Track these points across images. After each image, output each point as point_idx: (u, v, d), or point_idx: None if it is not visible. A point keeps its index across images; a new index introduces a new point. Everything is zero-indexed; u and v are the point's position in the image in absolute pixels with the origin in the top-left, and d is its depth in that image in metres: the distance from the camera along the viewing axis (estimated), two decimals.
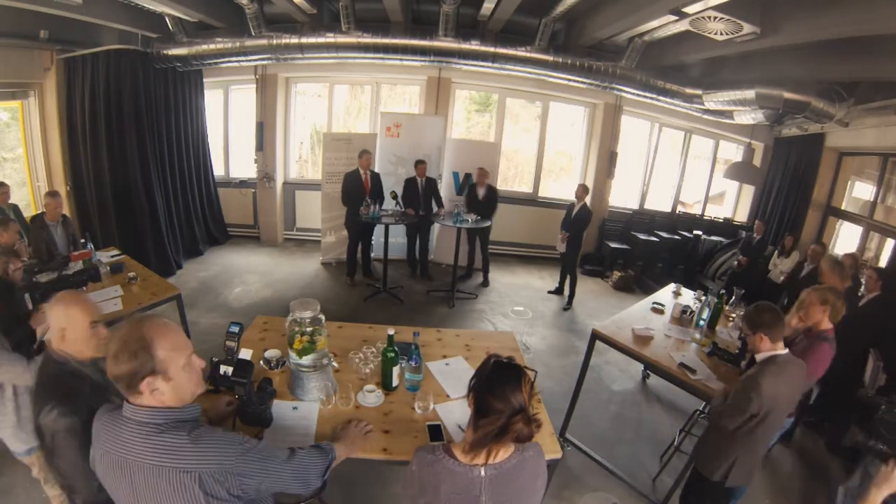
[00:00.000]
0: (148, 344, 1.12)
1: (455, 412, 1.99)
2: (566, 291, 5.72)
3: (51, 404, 1.36)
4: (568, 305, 5.60)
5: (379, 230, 5.49)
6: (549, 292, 5.94)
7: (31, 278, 2.28)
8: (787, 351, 1.99)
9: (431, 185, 5.69)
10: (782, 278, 5.17)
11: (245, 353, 1.70)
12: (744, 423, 1.94)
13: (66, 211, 4.85)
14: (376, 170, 5.70)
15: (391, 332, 2.10)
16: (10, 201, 4.11)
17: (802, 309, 2.38)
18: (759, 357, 2.00)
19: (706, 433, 2.27)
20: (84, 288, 2.91)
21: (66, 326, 1.48)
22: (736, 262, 5.84)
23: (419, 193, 5.57)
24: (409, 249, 6.11)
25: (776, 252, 5.47)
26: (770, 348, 1.97)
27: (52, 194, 3.84)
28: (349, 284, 5.71)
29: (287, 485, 1.30)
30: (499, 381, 1.21)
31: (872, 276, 3.39)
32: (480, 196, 5.59)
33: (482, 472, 1.24)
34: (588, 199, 5.63)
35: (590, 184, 6.97)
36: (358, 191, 5.29)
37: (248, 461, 1.17)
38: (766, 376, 1.88)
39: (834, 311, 2.26)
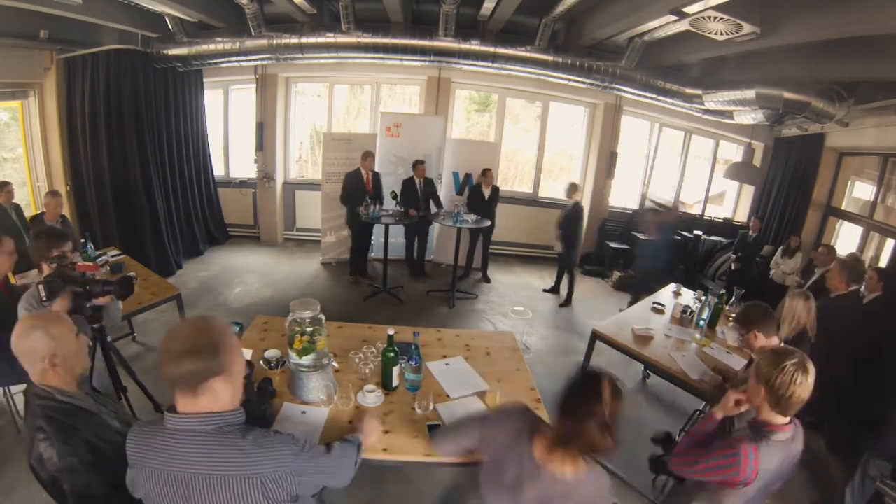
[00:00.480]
0: (217, 345, 1.09)
1: (457, 412, 1.99)
2: (563, 290, 5.72)
3: (44, 446, 1.27)
4: (565, 303, 5.60)
5: (379, 230, 5.49)
6: (545, 290, 5.95)
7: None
8: (782, 344, 2.03)
9: (430, 185, 5.69)
10: (787, 280, 5.18)
11: (245, 353, 1.69)
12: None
13: (65, 211, 4.85)
14: (376, 169, 5.70)
15: (391, 332, 2.10)
16: (13, 201, 4.13)
17: (794, 320, 2.44)
18: (754, 355, 2.01)
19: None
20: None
21: (55, 351, 1.34)
22: (731, 266, 5.85)
23: (417, 194, 5.57)
24: (407, 250, 6.11)
25: (779, 252, 5.46)
26: (765, 343, 2.02)
27: (53, 193, 3.85)
28: (352, 283, 5.71)
29: (332, 478, 1.31)
30: (584, 387, 1.23)
31: (873, 277, 3.39)
32: (486, 196, 5.61)
33: (541, 476, 1.25)
34: (580, 197, 5.61)
35: (590, 184, 6.98)
36: (359, 191, 5.29)
37: (304, 460, 1.16)
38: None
39: (781, 398, 1.49)
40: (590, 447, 1.18)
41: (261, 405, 1.72)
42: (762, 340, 2.04)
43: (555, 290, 5.90)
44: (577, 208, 5.44)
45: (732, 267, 5.80)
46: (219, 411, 1.10)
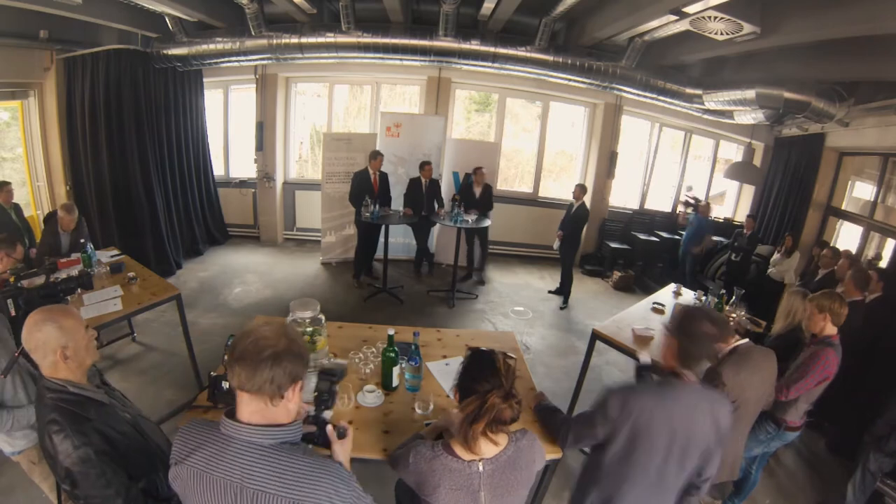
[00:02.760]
0: (304, 351, 1.08)
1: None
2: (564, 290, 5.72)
3: (59, 438, 1.28)
4: (564, 304, 5.60)
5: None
6: (550, 292, 5.93)
7: (16, 283, 2.19)
8: (746, 341, 2.12)
9: (435, 186, 5.68)
10: (785, 278, 5.18)
11: (340, 361, 1.60)
12: None
13: None
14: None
15: (391, 332, 2.10)
16: (13, 201, 4.13)
17: (790, 316, 2.44)
18: (719, 354, 2.13)
19: None
20: (68, 298, 2.62)
21: (66, 343, 1.35)
22: (731, 257, 5.90)
23: (422, 194, 5.57)
24: (418, 250, 6.12)
25: (776, 251, 5.47)
26: (723, 347, 2.11)
27: (68, 210, 3.74)
28: (356, 286, 5.66)
29: None
30: (474, 366, 1.31)
31: (874, 277, 3.39)
32: (477, 194, 5.60)
33: (480, 468, 1.28)
34: (587, 199, 5.63)
35: (590, 184, 6.97)
36: (367, 191, 5.30)
37: (349, 497, 1.07)
38: (727, 366, 2.00)
39: (835, 315, 2.26)
40: (499, 419, 1.25)
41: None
42: (721, 346, 2.09)
43: (560, 291, 5.85)
44: (585, 209, 5.45)
45: (733, 257, 5.84)
46: (281, 424, 1.07)
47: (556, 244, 5.62)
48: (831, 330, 2.27)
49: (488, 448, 1.29)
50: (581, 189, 5.45)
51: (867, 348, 3.18)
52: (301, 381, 1.08)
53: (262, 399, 1.04)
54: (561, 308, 5.56)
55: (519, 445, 1.34)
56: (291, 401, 1.08)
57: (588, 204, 6.67)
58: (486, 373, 1.27)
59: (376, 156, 5.34)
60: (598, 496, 1.57)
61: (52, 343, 1.34)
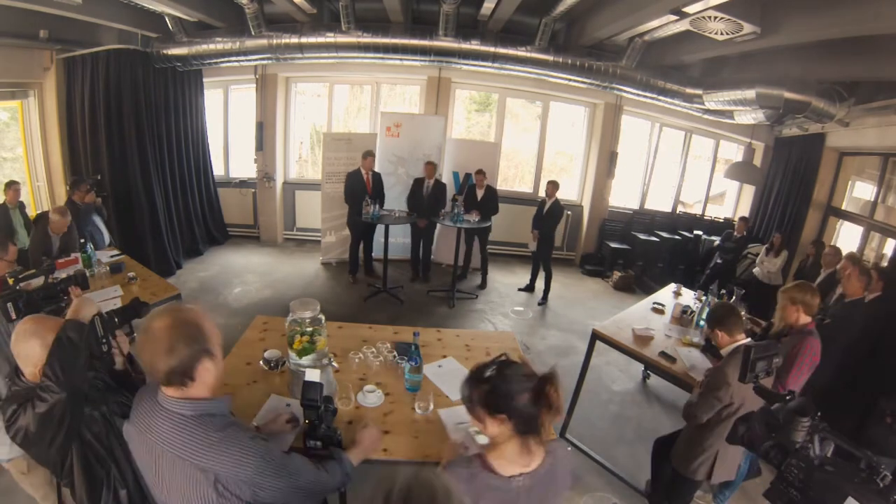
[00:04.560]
0: (200, 326, 1.12)
1: (460, 415, 1.98)
2: (538, 287, 5.74)
3: (22, 416, 1.33)
4: (543, 301, 5.60)
5: (380, 230, 5.49)
6: (520, 290, 5.92)
7: (15, 286, 2.19)
8: (749, 340, 2.12)
9: (439, 189, 5.65)
10: (772, 279, 5.19)
11: (312, 374, 1.64)
12: (717, 414, 2.00)
13: None
14: (377, 169, 5.70)
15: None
16: (19, 199, 4.16)
17: (779, 311, 2.47)
18: (723, 352, 2.14)
19: (683, 433, 2.27)
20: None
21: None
22: (716, 261, 5.92)
23: (423, 195, 5.57)
24: (412, 251, 6.10)
25: (764, 250, 5.48)
26: (730, 342, 2.11)
27: (62, 213, 3.69)
28: (351, 282, 5.70)
29: (298, 500, 1.26)
30: (505, 380, 1.21)
31: (874, 277, 3.38)
32: (479, 197, 5.58)
33: (520, 483, 1.20)
34: (586, 200, 5.63)
35: (590, 184, 6.98)
36: (360, 190, 5.30)
37: (268, 476, 1.14)
38: (731, 366, 1.96)
39: (807, 307, 2.32)
40: (536, 424, 1.18)
41: (329, 426, 1.58)
42: (726, 339, 2.12)
43: (530, 287, 5.89)
44: (559, 206, 5.48)
45: (719, 260, 5.87)
46: (202, 398, 1.14)
47: (531, 245, 5.60)
48: (805, 319, 2.34)
49: (533, 456, 1.22)
50: (553, 186, 5.45)
51: (867, 347, 3.18)
52: (209, 356, 1.12)
53: (176, 385, 1.11)
54: (539, 304, 5.58)
55: (556, 455, 1.27)
56: (205, 378, 1.13)
57: (587, 203, 6.66)
58: (518, 376, 1.20)
59: (367, 155, 5.37)
60: None
61: (33, 358, 1.38)
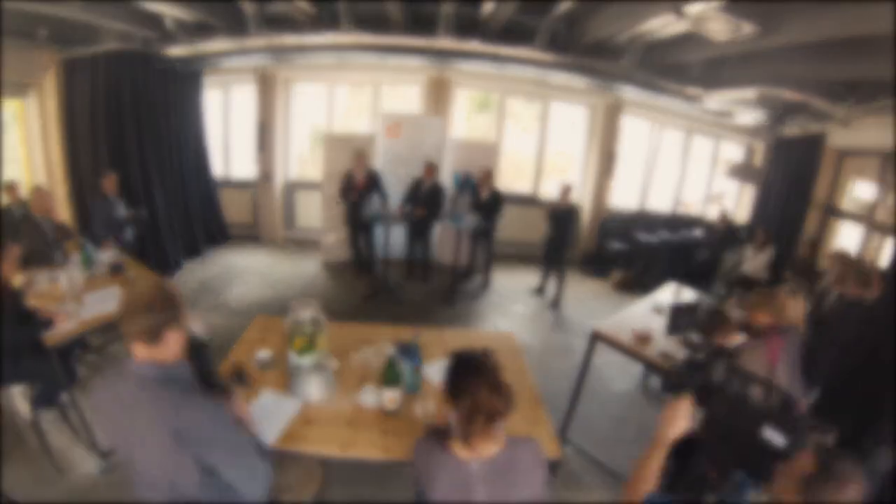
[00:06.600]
0: (175, 297, 1.31)
1: None
2: (550, 291, 5.73)
3: None
4: (555, 305, 5.59)
5: (378, 229, 5.51)
6: (532, 292, 5.90)
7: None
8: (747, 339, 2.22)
9: (436, 190, 5.64)
10: (759, 275, 5.22)
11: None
12: None
13: (64, 210, 4.84)
14: (377, 169, 5.71)
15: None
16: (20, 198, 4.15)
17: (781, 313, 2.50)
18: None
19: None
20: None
21: None
22: (698, 259, 5.96)
23: (419, 195, 5.57)
24: (409, 251, 6.10)
25: (750, 248, 5.48)
26: (724, 342, 2.26)
27: (38, 192, 3.77)
28: (356, 277, 5.69)
29: (231, 468, 1.30)
30: (459, 369, 1.37)
31: (875, 276, 3.38)
32: (482, 200, 5.58)
33: (474, 468, 1.31)
34: (586, 199, 5.62)
35: (590, 184, 6.98)
36: (351, 189, 5.41)
37: (220, 431, 1.28)
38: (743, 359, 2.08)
39: (776, 311, 2.30)
40: (492, 411, 1.27)
41: (209, 369, 1.68)
42: (723, 340, 2.25)
43: (541, 290, 5.88)
44: (572, 209, 5.47)
45: (699, 258, 5.91)
46: (164, 360, 1.28)
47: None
48: (769, 321, 2.34)
49: (487, 447, 1.32)
50: (568, 189, 5.46)
51: (867, 347, 3.18)
52: (178, 326, 1.29)
53: (143, 343, 1.26)
54: (552, 308, 5.57)
55: (518, 448, 1.37)
56: (171, 343, 1.28)
57: (587, 203, 6.65)
58: (470, 371, 1.33)
59: (358, 157, 5.45)
60: None
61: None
